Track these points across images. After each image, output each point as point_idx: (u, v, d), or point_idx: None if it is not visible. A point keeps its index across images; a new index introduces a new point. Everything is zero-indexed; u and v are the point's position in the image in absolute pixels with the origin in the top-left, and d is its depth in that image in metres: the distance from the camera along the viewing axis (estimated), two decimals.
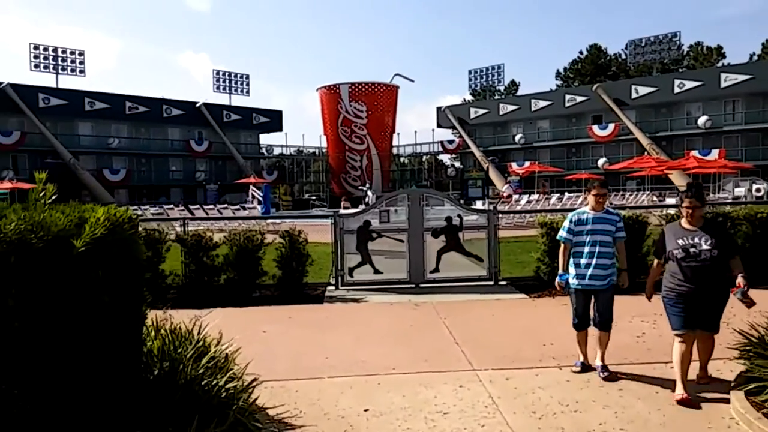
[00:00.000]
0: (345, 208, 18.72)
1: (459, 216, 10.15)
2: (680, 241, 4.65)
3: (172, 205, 23.76)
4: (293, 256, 9.29)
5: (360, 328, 7.18)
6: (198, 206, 24.02)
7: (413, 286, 9.93)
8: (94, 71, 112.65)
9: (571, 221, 5.32)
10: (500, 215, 10.47)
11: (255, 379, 4.13)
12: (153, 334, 4.32)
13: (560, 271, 5.40)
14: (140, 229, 9.44)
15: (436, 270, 10.05)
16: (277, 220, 18.15)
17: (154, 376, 3.64)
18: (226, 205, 25.23)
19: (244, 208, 23.78)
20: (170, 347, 4.09)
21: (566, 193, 31.52)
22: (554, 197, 25.41)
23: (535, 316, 7.68)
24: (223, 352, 4.35)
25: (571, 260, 5.32)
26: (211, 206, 24.31)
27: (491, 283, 9.99)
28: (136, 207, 24.78)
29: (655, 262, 5.15)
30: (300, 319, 7.72)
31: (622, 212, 9.71)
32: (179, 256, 9.57)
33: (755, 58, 62.64)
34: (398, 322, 7.43)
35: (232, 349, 4.57)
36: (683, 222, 4.80)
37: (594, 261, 5.14)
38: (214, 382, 3.67)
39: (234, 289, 9.21)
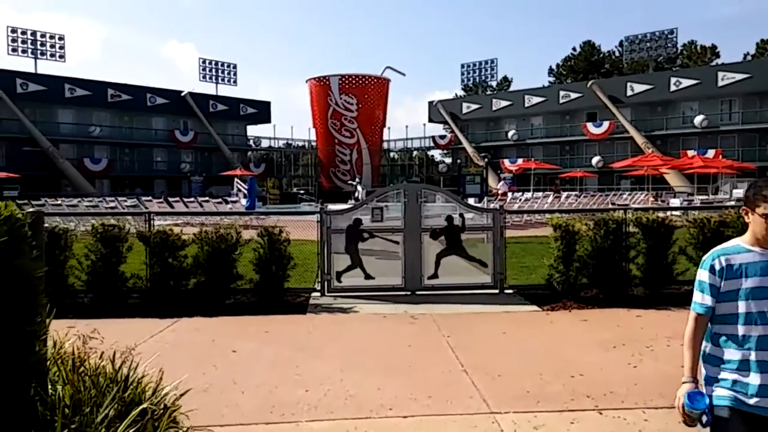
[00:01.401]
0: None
1: (461, 215, 9.04)
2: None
3: (150, 197, 22.42)
4: (273, 258, 8.12)
5: (348, 348, 6.05)
6: (178, 199, 22.73)
7: (409, 293, 8.82)
8: (77, 60, 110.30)
9: (712, 271, 2.45)
10: (507, 215, 9.35)
11: None
12: (66, 373, 3.16)
13: (686, 383, 2.46)
14: (97, 224, 8.31)
15: (435, 276, 8.94)
16: (262, 216, 16.95)
17: None
18: (207, 198, 23.96)
19: (227, 202, 22.51)
20: (87, 395, 2.94)
21: (566, 192, 30.58)
22: (571, 196, 24.27)
23: (553, 334, 6.59)
24: (162, 400, 3.19)
25: (709, 352, 2.52)
26: (192, 199, 23.02)
27: (496, 291, 8.89)
28: (112, 198, 23.46)
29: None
30: (278, 335, 6.57)
31: (633, 213, 8.67)
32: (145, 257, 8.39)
33: (749, 58, 62.07)
34: (393, 341, 6.31)
35: (178, 392, 3.42)
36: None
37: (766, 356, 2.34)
38: None
39: (204, 295, 8.04)
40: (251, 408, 4.41)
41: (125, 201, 22.39)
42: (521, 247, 13.17)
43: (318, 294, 8.78)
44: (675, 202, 21.59)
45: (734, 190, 31.82)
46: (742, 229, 7.58)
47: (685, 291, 8.69)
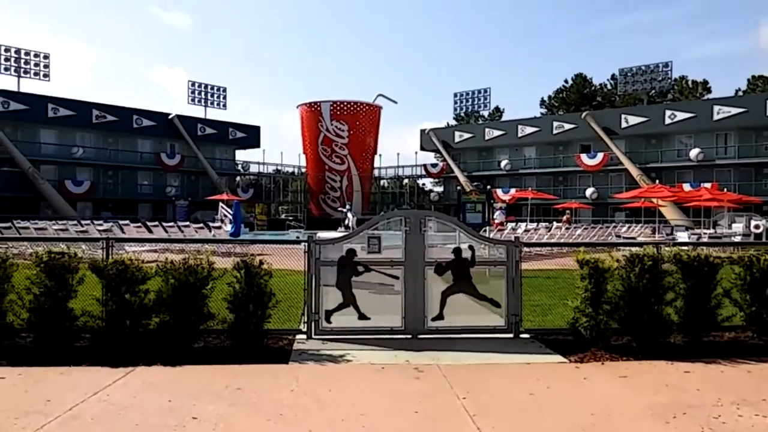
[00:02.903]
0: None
1: (470, 247, 7.85)
2: None
3: (128, 221, 21.09)
4: (251, 294, 6.86)
5: (339, 415, 4.77)
6: (157, 223, 21.41)
7: (409, 336, 7.59)
8: (66, 82, 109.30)
9: None
10: (523, 248, 8.15)
11: None
12: None
13: None
14: (40, 250, 7.05)
15: (440, 317, 7.71)
16: (245, 243, 15.65)
17: None
18: (188, 223, 22.64)
19: (209, 227, 21.20)
20: None
21: (555, 222, 29.52)
22: (580, 228, 23.15)
23: (592, 396, 5.36)
24: None
25: None
26: (171, 224, 21.71)
27: (511, 335, 7.69)
28: (88, 222, 22.08)
29: None
30: (253, 393, 5.29)
31: (671, 249, 7.56)
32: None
33: (740, 93, 62.18)
34: (396, 405, 5.05)
35: None
36: None
37: None
38: None
39: (168, 338, 6.76)
40: None
41: (101, 225, 21.02)
42: (526, 282, 11.94)
43: (304, 337, 7.52)
44: (682, 236, 20.59)
45: (733, 224, 31.01)
46: None
47: (728, 339, 7.57)
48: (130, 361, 6.29)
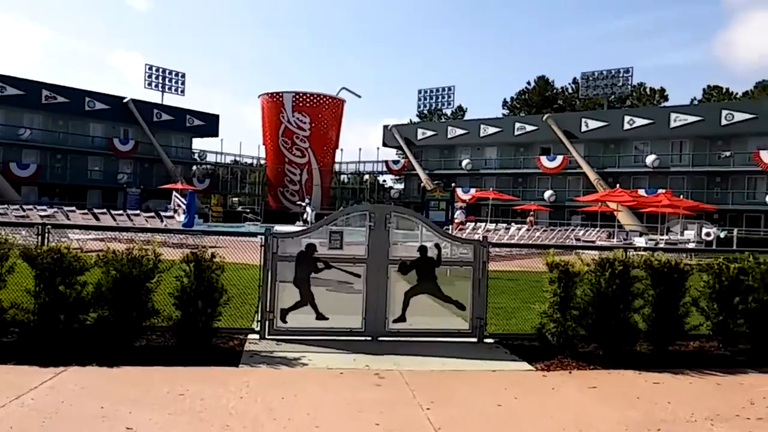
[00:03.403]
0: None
1: (437, 246, 7.50)
2: None
3: (74, 208, 20.02)
4: (200, 290, 6.34)
5: (293, 429, 4.35)
6: (105, 211, 20.40)
7: (370, 338, 7.20)
8: (15, 61, 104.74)
9: None
10: (491, 247, 7.84)
11: None
12: None
13: None
14: None
15: (402, 318, 7.34)
16: (199, 234, 14.96)
17: None
18: (139, 212, 21.69)
19: (161, 217, 20.33)
20: None
21: (513, 224, 29.59)
22: (540, 230, 23.12)
23: (561, 409, 5.06)
24: None
25: None
26: (120, 212, 20.74)
27: (474, 339, 7.37)
28: (30, 207, 20.90)
29: None
30: (197, 400, 4.80)
31: (639, 254, 7.39)
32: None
33: (695, 102, 63.93)
34: (355, 416, 4.65)
35: None
36: None
37: None
38: None
39: (106, 334, 6.19)
40: None
41: (45, 210, 19.92)
42: (489, 283, 11.73)
43: (256, 337, 7.04)
44: (639, 241, 20.81)
45: (686, 231, 31.67)
46: (761, 278, 5.68)
47: (693, 349, 7.43)
48: (62, 360, 5.71)
